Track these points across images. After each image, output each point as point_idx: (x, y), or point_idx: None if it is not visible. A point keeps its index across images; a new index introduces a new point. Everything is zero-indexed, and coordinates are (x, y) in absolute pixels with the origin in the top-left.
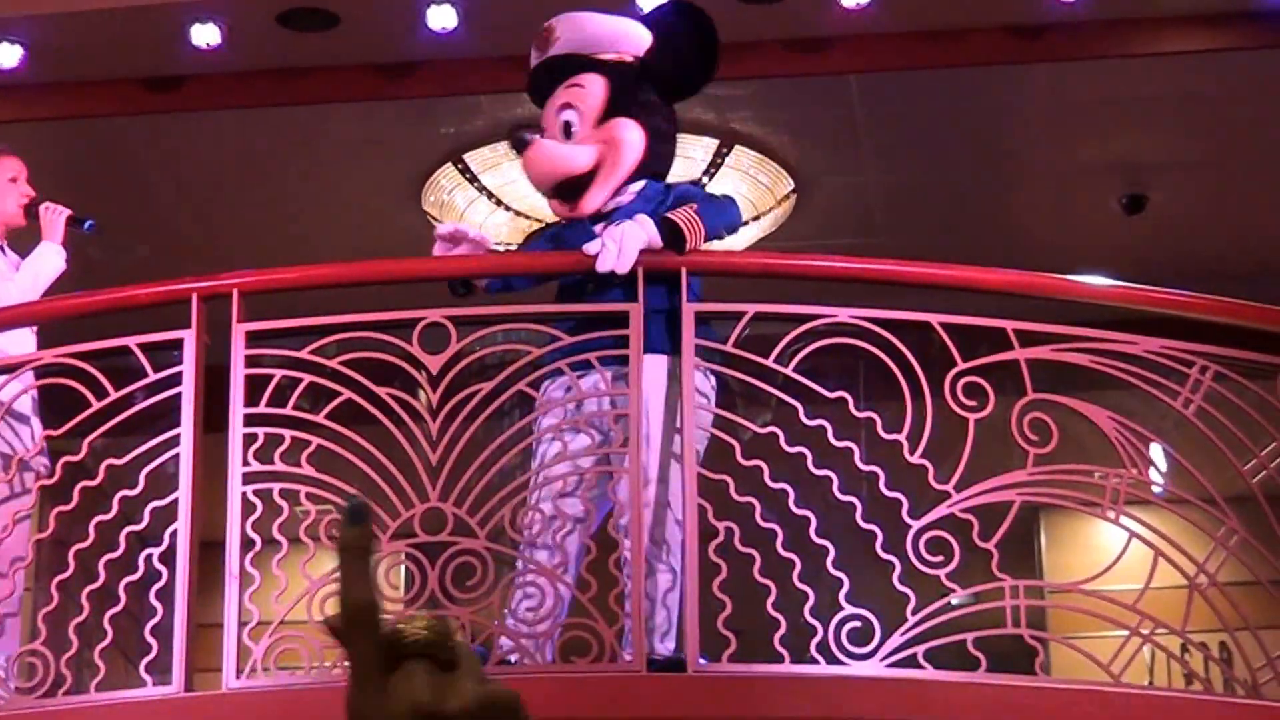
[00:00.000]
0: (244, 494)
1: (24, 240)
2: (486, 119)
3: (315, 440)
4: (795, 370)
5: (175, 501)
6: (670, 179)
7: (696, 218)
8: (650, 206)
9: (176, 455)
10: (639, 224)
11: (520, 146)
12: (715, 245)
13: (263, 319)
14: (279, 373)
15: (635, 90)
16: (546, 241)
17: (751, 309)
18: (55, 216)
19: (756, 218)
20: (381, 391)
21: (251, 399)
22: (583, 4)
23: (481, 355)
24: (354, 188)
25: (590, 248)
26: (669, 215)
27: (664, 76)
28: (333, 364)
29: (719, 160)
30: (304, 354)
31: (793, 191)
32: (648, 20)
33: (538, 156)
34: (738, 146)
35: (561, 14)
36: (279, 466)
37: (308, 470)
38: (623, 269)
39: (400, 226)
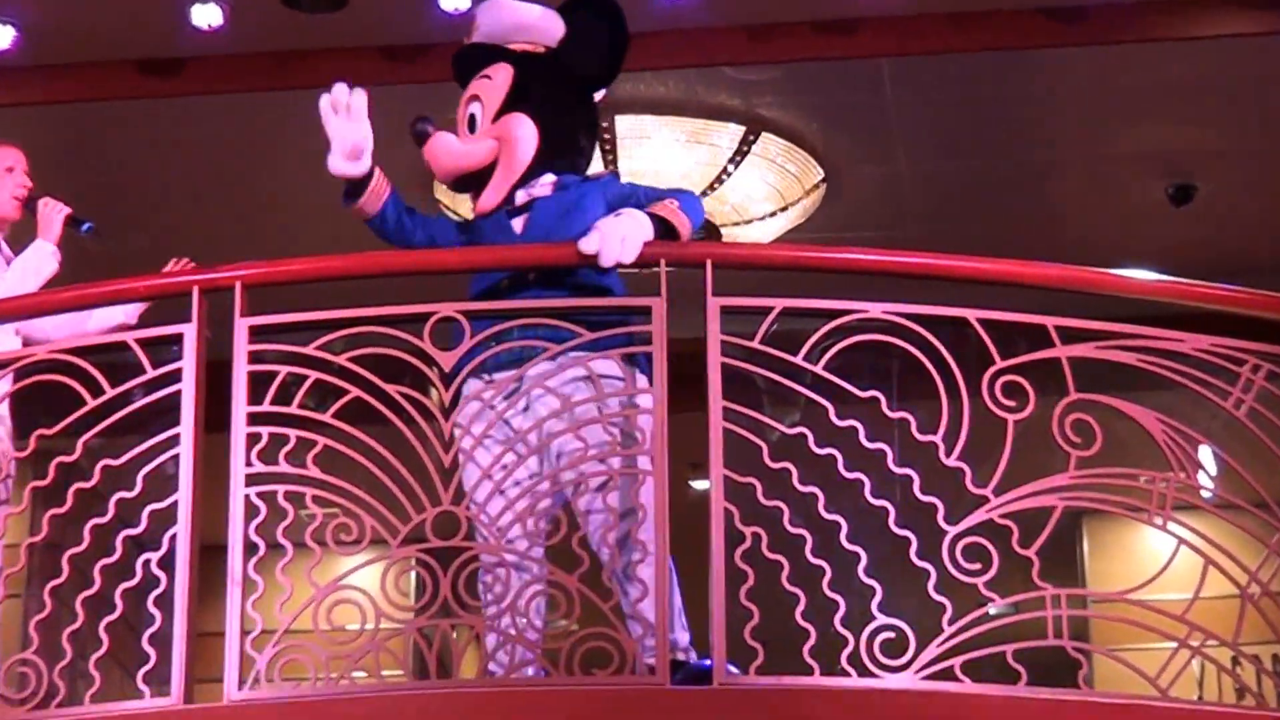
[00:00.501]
0: (247, 496)
1: (23, 239)
2: None
3: (321, 440)
4: (825, 368)
5: (175, 504)
6: (699, 167)
7: (681, 213)
8: (577, 196)
9: (176, 456)
10: (635, 215)
11: (420, 139)
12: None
13: (266, 313)
14: (283, 369)
15: (540, 82)
16: (457, 230)
17: (779, 304)
18: (54, 213)
19: (784, 208)
20: (391, 389)
21: (255, 397)
22: None
23: (496, 352)
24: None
25: (586, 244)
26: (655, 210)
27: (574, 67)
28: (340, 360)
29: (745, 148)
30: (310, 350)
31: (822, 181)
32: (562, 9)
33: (433, 152)
34: (765, 134)
35: (489, 1)
36: (284, 468)
37: (314, 472)
38: (628, 259)
39: None
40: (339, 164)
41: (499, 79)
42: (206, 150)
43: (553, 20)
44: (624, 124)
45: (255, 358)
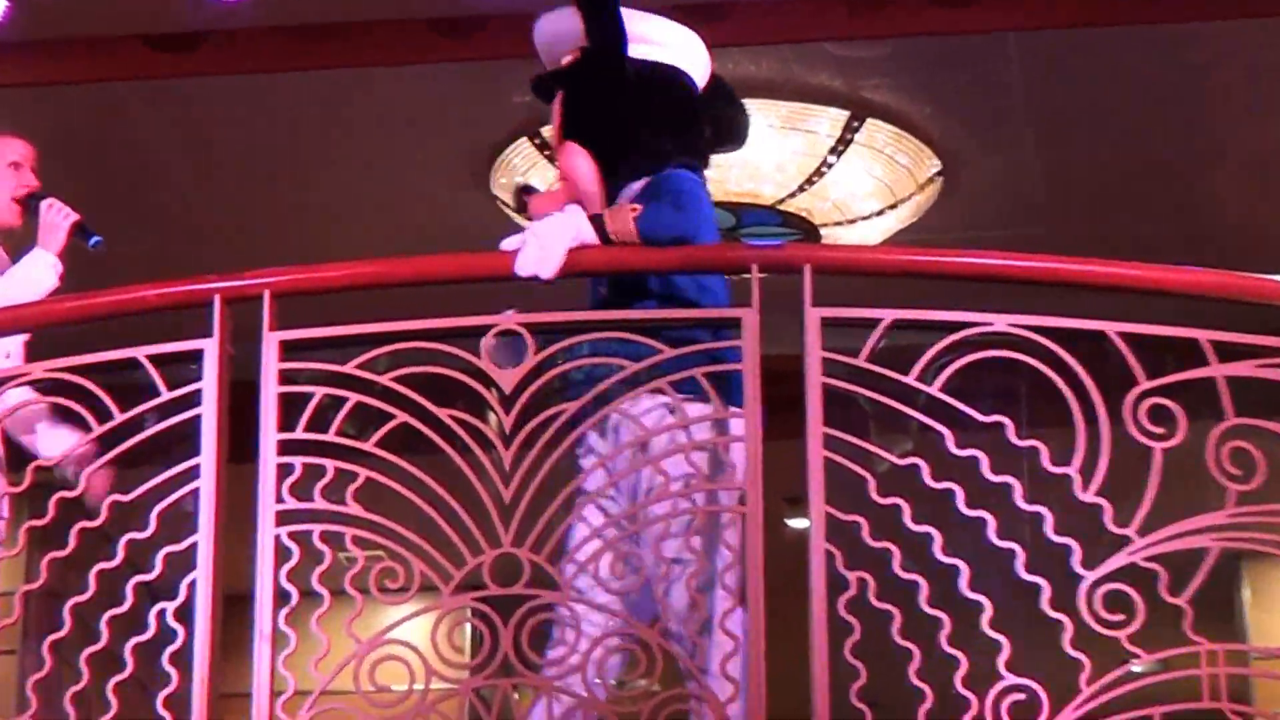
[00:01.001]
0: (277, 537)
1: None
2: None
3: (363, 472)
4: (942, 390)
5: (194, 546)
6: (795, 157)
7: (633, 221)
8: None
9: (195, 490)
10: (569, 215)
11: (520, 204)
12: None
13: (300, 326)
14: (320, 391)
15: (580, 94)
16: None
17: (889, 315)
18: (59, 219)
19: (894, 205)
20: (443, 414)
21: (287, 422)
22: None
23: (564, 370)
24: (408, 168)
25: (509, 243)
26: (602, 213)
27: (595, 51)
28: (384, 381)
29: (849, 136)
30: (349, 369)
31: (937, 173)
32: None
33: (536, 212)
34: (871, 120)
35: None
36: (319, 504)
37: (354, 508)
38: (547, 273)
39: (464, 214)
40: None
41: (557, 110)
42: (227, 139)
43: (574, 14)
44: None
45: (286, 377)
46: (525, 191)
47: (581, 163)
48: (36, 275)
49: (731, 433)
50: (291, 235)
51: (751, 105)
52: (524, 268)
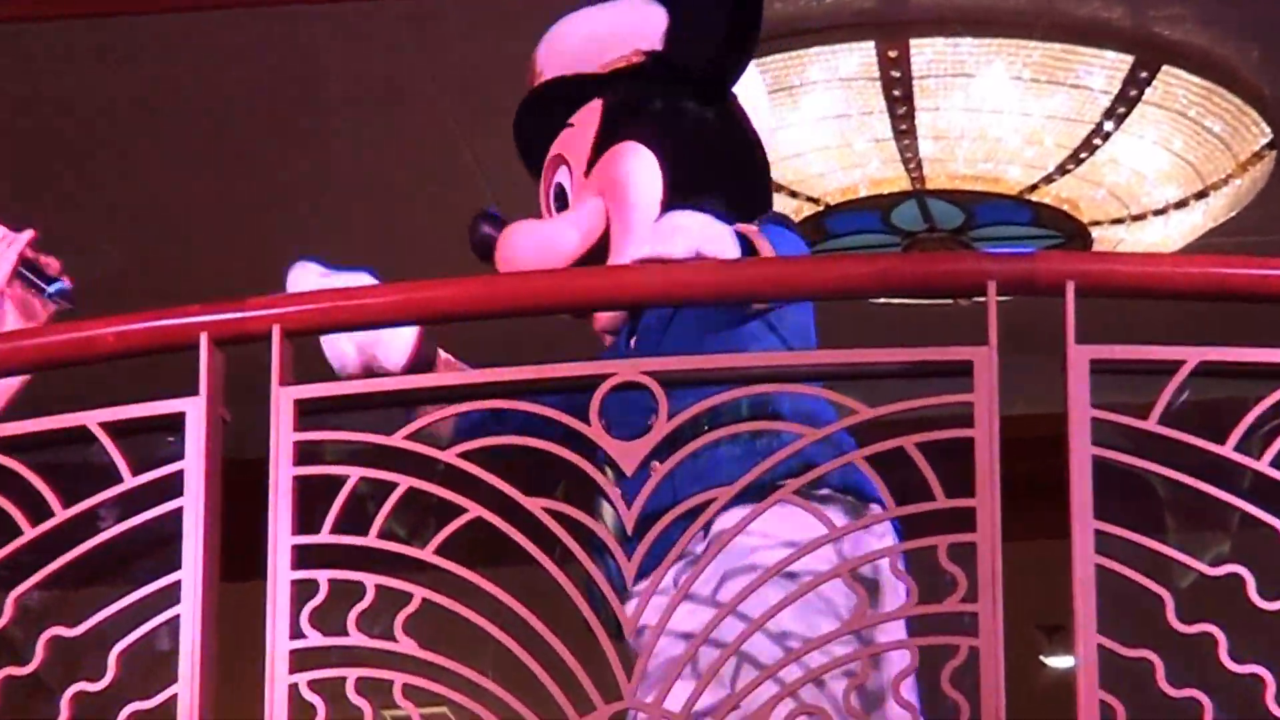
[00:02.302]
0: (293, 687)
1: None
2: None
3: (419, 591)
4: (1274, 465)
5: (172, 701)
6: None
7: (766, 240)
8: None
9: (174, 619)
10: (709, 222)
11: (483, 246)
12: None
13: (325, 379)
14: (355, 472)
15: (642, 98)
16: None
17: (1193, 356)
18: (3, 250)
19: (1202, 194)
20: (534, 506)
21: (307, 520)
22: None
23: (716, 437)
24: (470, 150)
25: (639, 249)
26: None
27: (692, 65)
28: (449, 458)
29: (1134, 92)
30: (396, 440)
31: (1269, 146)
32: None
33: (509, 254)
34: (1168, 68)
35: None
36: (355, 638)
37: (406, 644)
38: (667, 249)
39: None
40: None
41: (584, 120)
42: (205, 105)
43: (648, 11)
44: (925, 53)
45: (306, 453)
46: (486, 222)
47: (643, 163)
48: None
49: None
50: (306, 245)
51: (988, 48)
52: (636, 247)
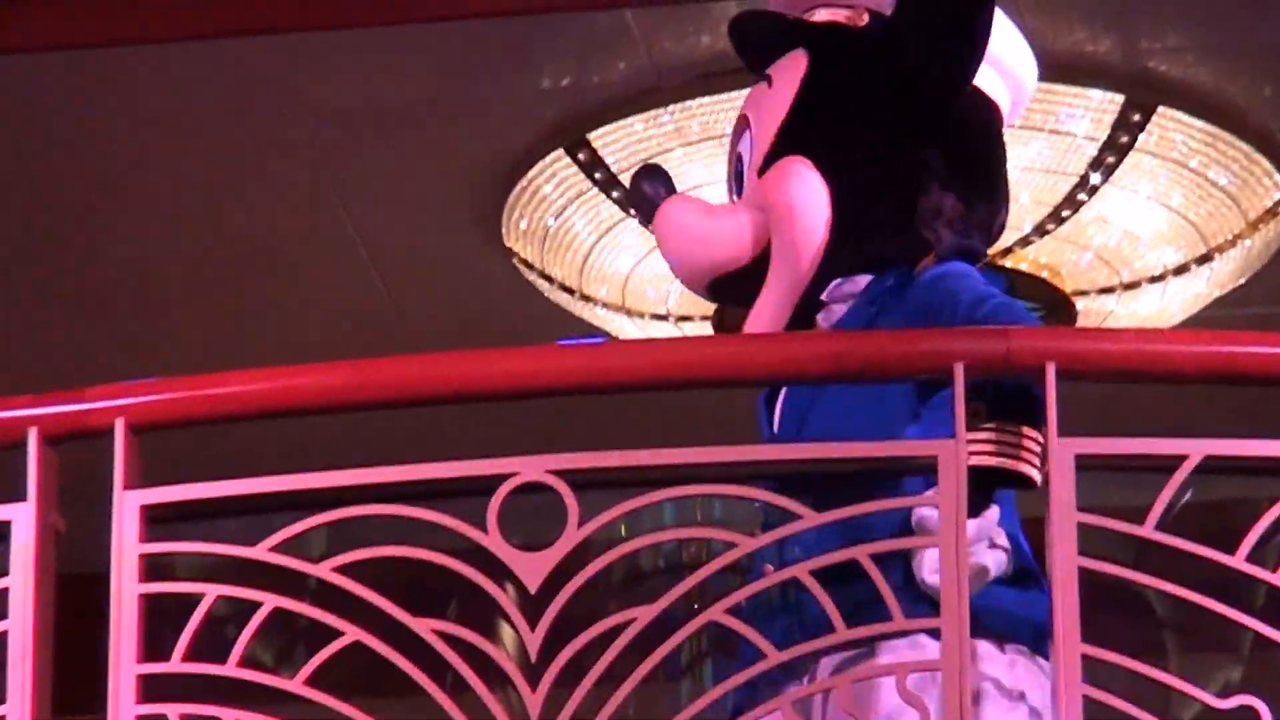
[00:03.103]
0: None
1: None
2: (648, 58)
3: None
4: None
5: None
6: (1036, 176)
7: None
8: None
9: None
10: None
11: (646, 209)
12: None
13: (176, 480)
14: (212, 590)
15: (851, 82)
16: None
17: (1196, 450)
18: None
19: (1205, 257)
20: (423, 628)
21: (155, 646)
22: None
23: (634, 548)
24: (373, 205)
25: (924, 571)
26: (996, 426)
27: (909, 59)
28: (322, 572)
29: (1125, 137)
30: (261, 552)
31: None
32: None
33: (666, 240)
34: (1164, 109)
35: None
36: None
37: None
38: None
39: (464, 279)
40: None
41: (783, 81)
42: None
43: None
44: None
45: (155, 567)
46: (649, 179)
47: (817, 197)
48: None
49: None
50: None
51: None
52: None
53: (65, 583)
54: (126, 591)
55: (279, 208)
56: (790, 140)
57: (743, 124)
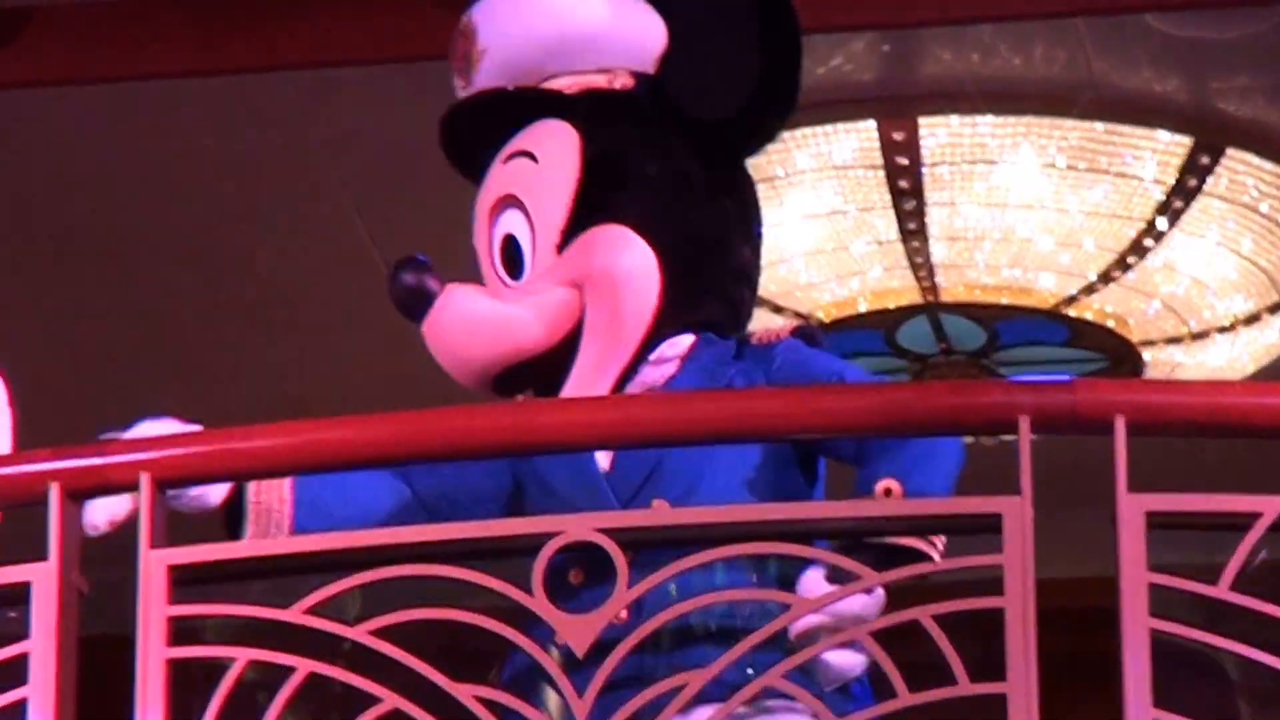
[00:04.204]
0: None
1: None
2: None
3: None
4: None
5: None
6: (1098, 222)
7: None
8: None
9: None
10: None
11: (414, 304)
12: None
13: (205, 539)
14: (240, 653)
15: (632, 149)
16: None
17: (1269, 507)
18: None
19: (1277, 306)
20: (465, 694)
21: (183, 712)
22: None
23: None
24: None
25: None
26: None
27: (700, 109)
28: (358, 635)
29: (1193, 180)
30: (295, 615)
31: None
32: None
33: (451, 333)
34: (1232, 151)
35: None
36: None
37: None
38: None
39: None
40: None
41: (553, 154)
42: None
43: (638, 18)
44: (937, 135)
45: (182, 631)
46: (411, 270)
47: (641, 264)
48: None
49: None
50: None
51: (1012, 126)
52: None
53: (88, 646)
54: (153, 655)
55: (308, 250)
56: (590, 210)
57: (503, 203)
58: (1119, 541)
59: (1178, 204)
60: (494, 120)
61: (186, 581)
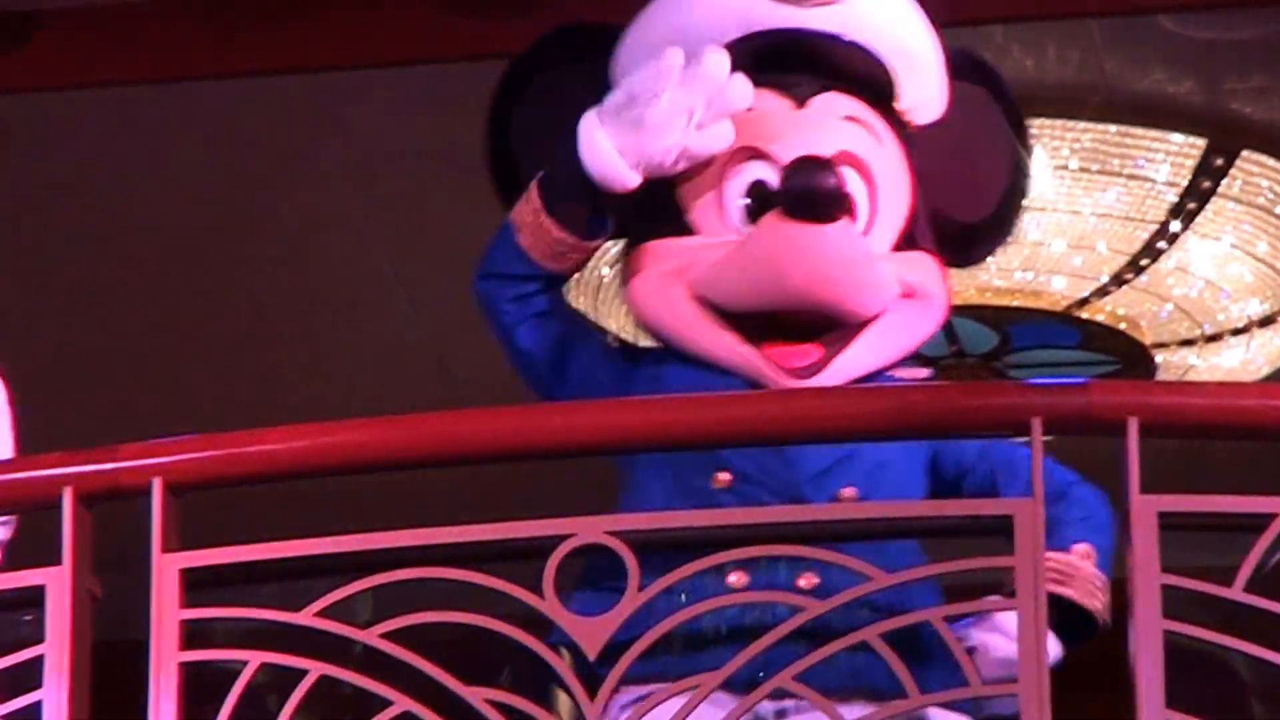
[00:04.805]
0: None
1: None
2: None
3: None
4: None
5: None
6: (1111, 224)
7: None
8: None
9: None
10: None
11: (831, 203)
12: None
13: (218, 543)
14: (252, 657)
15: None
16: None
17: None
18: None
19: None
20: (475, 697)
21: (195, 714)
22: None
23: (683, 619)
24: (415, 253)
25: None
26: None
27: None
28: (369, 638)
29: (1207, 182)
30: (305, 618)
31: None
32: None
33: (833, 250)
34: (1247, 153)
35: None
36: None
37: None
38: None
39: None
40: (615, 161)
41: (894, 154)
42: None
43: (935, 71)
44: None
45: (194, 634)
46: (831, 171)
47: (942, 298)
48: None
49: None
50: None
51: (1033, 129)
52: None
53: (101, 650)
54: (166, 659)
55: (321, 256)
56: (918, 231)
57: (847, 158)
58: (1131, 542)
59: (1191, 206)
60: (831, 60)
61: (198, 584)
